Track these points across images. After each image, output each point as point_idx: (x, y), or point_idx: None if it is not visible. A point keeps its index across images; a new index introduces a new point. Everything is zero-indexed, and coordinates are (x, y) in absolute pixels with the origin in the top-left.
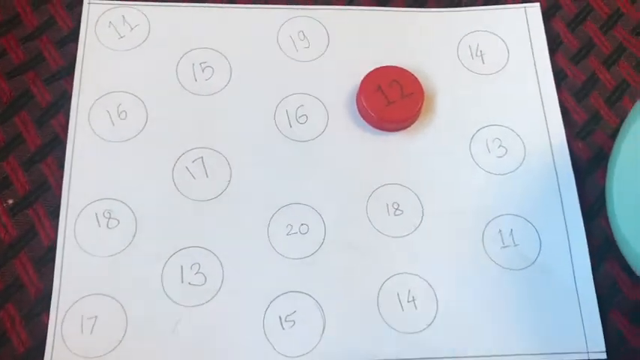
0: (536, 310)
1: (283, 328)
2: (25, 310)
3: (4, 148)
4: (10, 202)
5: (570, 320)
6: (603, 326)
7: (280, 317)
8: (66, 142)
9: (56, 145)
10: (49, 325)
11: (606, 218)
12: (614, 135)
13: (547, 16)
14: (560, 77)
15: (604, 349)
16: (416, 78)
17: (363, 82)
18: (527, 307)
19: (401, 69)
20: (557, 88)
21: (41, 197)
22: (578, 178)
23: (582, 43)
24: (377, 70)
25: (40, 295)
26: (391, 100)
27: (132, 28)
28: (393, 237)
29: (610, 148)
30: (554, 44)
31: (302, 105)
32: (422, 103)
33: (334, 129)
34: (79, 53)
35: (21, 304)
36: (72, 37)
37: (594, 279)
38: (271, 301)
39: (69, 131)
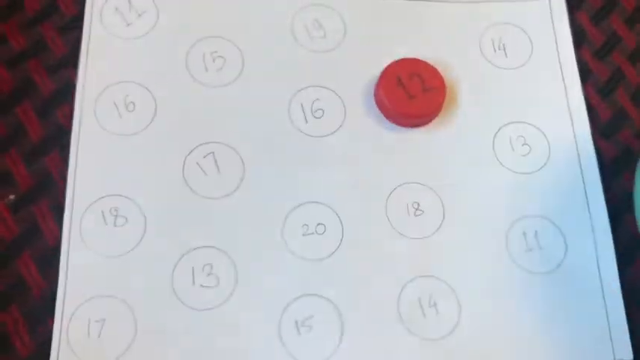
0: (562, 314)
1: (299, 334)
2: (29, 312)
3: (5, 141)
4: (12, 197)
5: (596, 325)
6: (630, 331)
7: (297, 322)
8: (70, 135)
9: (60, 137)
10: (54, 329)
11: (634, 220)
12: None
13: (570, 9)
14: (584, 72)
15: (631, 355)
16: (437, 71)
17: (382, 74)
18: (552, 311)
19: (422, 61)
20: (582, 84)
21: (45, 193)
22: (603, 178)
23: (607, 37)
24: (397, 62)
25: (45, 297)
26: (412, 95)
27: (139, 15)
28: (413, 238)
29: (637, 147)
30: (578, 38)
31: (318, 99)
32: (444, 98)
33: (352, 124)
34: (83, 41)
35: (24, 306)
36: (76, 23)
37: (621, 282)
38: (287, 305)
39: (74, 123)
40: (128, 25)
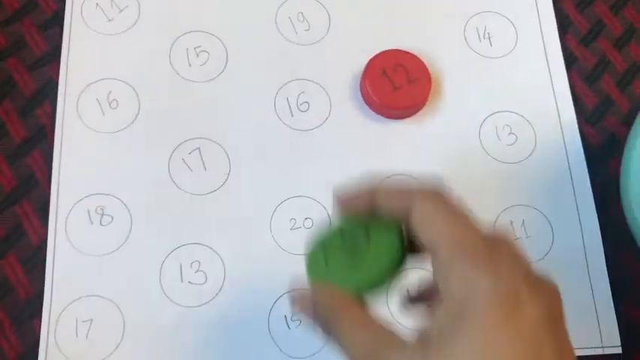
0: None
1: (289, 328)
2: (15, 313)
3: None
4: None
5: (584, 314)
6: (618, 320)
7: (286, 316)
8: (53, 134)
9: (42, 137)
10: (42, 330)
11: (620, 208)
12: (625, 120)
13: None
14: (570, 60)
15: (619, 343)
16: (422, 62)
17: (367, 66)
18: None
19: (406, 52)
20: (567, 72)
21: (28, 193)
22: (589, 165)
23: (592, 24)
24: (381, 54)
25: (31, 298)
26: (397, 86)
27: (121, 10)
28: None
29: (622, 134)
30: (563, 25)
31: (303, 92)
32: (429, 89)
33: (338, 117)
34: (64, 37)
35: (10, 307)
36: (56, 20)
37: (608, 271)
38: (276, 300)
39: (56, 122)
40: (109, 20)
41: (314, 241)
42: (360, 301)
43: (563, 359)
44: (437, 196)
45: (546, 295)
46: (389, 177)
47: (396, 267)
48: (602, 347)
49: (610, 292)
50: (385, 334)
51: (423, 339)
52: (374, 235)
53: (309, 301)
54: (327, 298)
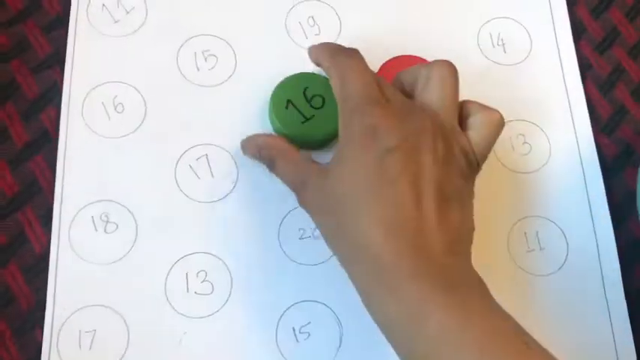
0: (564, 318)
1: (297, 341)
2: (17, 324)
3: None
4: None
5: (600, 329)
6: (634, 335)
7: (294, 329)
8: (56, 138)
9: (46, 141)
10: (44, 341)
11: (636, 219)
12: None
13: (569, 2)
14: (584, 68)
15: (635, 358)
16: None
17: (379, 71)
18: (554, 315)
19: (419, 59)
20: (582, 80)
21: (31, 199)
22: (605, 176)
23: (607, 31)
24: (394, 59)
25: (33, 308)
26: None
27: (127, 12)
28: None
29: (637, 144)
30: (578, 32)
31: None
32: None
33: None
34: (69, 39)
35: (12, 317)
36: (61, 21)
37: (624, 285)
38: (284, 311)
39: (60, 126)
40: (116, 22)
41: (281, 83)
42: (292, 145)
43: (409, 181)
44: (351, 55)
45: (406, 128)
46: None
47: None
48: None
49: (625, 305)
50: (308, 167)
51: (327, 166)
52: (328, 100)
53: (255, 146)
54: (270, 143)
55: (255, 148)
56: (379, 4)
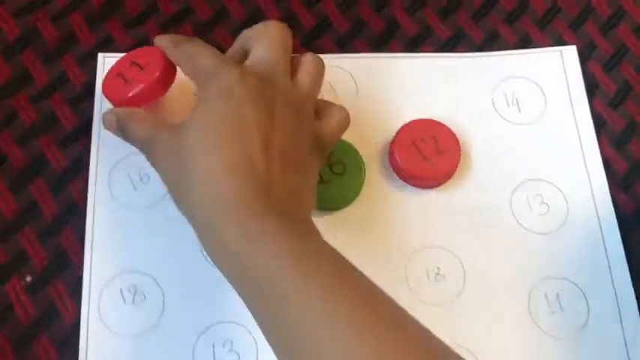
0: None
1: None
2: None
3: (19, 219)
4: (29, 279)
5: None
6: None
7: None
8: (84, 210)
9: (75, 214)
10: None
11: None
12: None
13: (581, 57)
14: (598, 124)
15: None
16: (451, 131)
17: (396, 136)
18: None
19: (435, 122)
20: (596, 136)
21: (61, 272)
22: (623, 234)
23: (619, 85)
24: (410, 123)
25: None
26: (426, 156)
27: None
28: (433, 305)
29: None
30: (591, 88)
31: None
32: (459, 160)
33: (367, 185)
34: (95, 112)
35: None
36: (86, 94)
37: None
38: None
39: (88, 198)
40: None
41: None
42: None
43: (261, 137)
44: (192, 39)
45: (262, 88)
46: (419, 249)
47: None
48: None
49: None
50: (158, 125)
51: (178, 123)
52: (349, 169)
53: (108, 121)
54: (119, 112)
55: (108, 122)
56: (393, 68)
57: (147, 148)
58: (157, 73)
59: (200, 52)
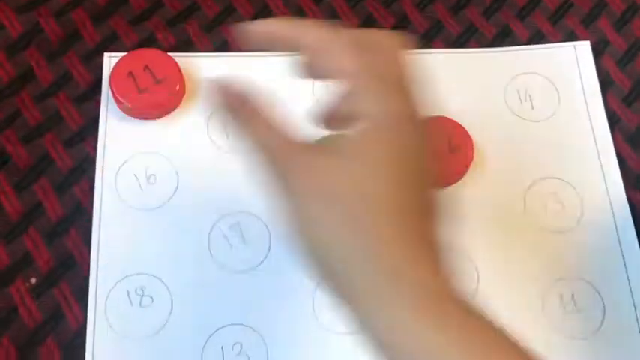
0: None
1: None
2: None
3: (23, 220)
4: (33, 281)
5: None
6: None
7: None
8: (90, 211)
9: (80, 215)
10: None
11: None
12: None
13: (595, 53)
14: (612, 120)
15: None
16: (464, 129)
17: None
18: None
19: (448, 119)
20: (610, 133)
21: (66, 274)
22: (639, 232)
23: (634, 81)
24: None
25: None
26: (439, 155)
27: None
28: None
29: None
30: (605, 84)
31: None
32: (471, 159)
33: None
34: (101, 111)
35: None
36: (92, 93)
37: None
38: None
39: (94, 199)
40: None
41: None
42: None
43: (422, 178)
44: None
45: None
46: None
47: None
48: None
49: None
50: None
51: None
52: None
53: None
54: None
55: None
56: None
57: (279, 169)
58: (177, 87)
59: None
